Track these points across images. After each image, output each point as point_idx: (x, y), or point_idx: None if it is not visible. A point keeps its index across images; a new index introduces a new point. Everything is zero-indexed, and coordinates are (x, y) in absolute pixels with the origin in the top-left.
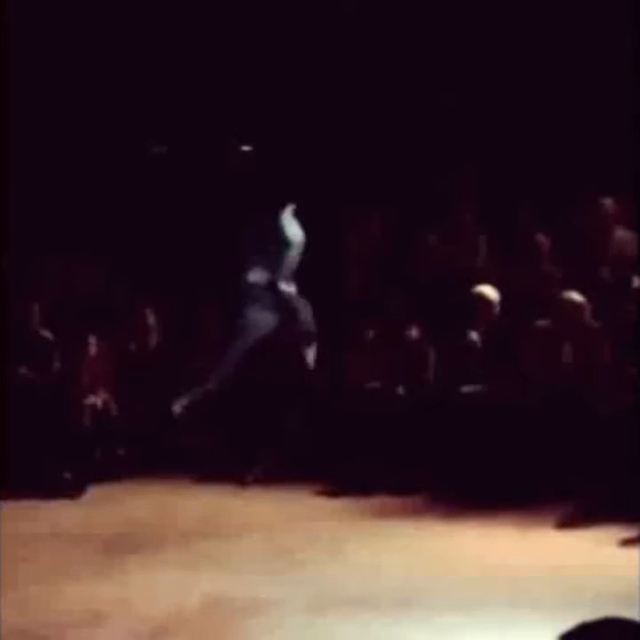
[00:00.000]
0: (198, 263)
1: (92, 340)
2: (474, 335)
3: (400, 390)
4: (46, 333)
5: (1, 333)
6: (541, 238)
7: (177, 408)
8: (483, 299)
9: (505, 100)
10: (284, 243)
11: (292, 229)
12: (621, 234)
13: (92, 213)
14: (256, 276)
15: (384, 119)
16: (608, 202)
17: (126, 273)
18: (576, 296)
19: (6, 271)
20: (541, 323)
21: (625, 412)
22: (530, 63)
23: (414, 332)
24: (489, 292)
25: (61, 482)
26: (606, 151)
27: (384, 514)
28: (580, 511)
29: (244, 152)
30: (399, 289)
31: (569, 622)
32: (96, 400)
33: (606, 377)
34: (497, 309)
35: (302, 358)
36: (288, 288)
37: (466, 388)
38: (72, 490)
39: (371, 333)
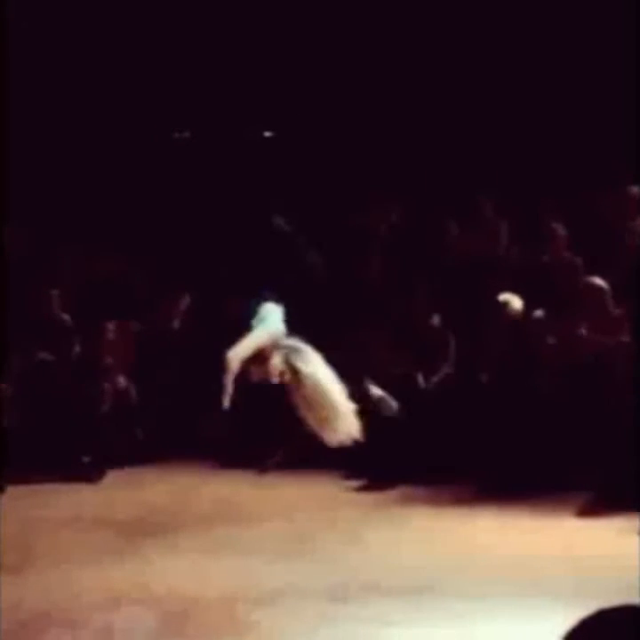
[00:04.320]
0: (223, 249)
1: (112, 324)
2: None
3: (420, 378)
4: (66, 317)
5: (20, 318)
6: (557, 226)
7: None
8: (509, 308)
9: (526, 89)
10: None
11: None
12: None
13: (113, 199)
14: None
15: (407, 109)
16: (635, 189)
17: (148, 258)
18: (599, 281)
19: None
20: (561, 309)
21: None
22: (549, 52)
23: (436, 320)
24: (515, 302)
25: (80, 466)
26: (628, 139)
27: (402, 502)
28: (599, 500)
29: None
30: (421, 277)
31: (585, 610)
32: (116, 384)
33: (626, 364)
34: (521, 316)
35: None
36: None
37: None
38: (91, 474)
39: (392, 321)
